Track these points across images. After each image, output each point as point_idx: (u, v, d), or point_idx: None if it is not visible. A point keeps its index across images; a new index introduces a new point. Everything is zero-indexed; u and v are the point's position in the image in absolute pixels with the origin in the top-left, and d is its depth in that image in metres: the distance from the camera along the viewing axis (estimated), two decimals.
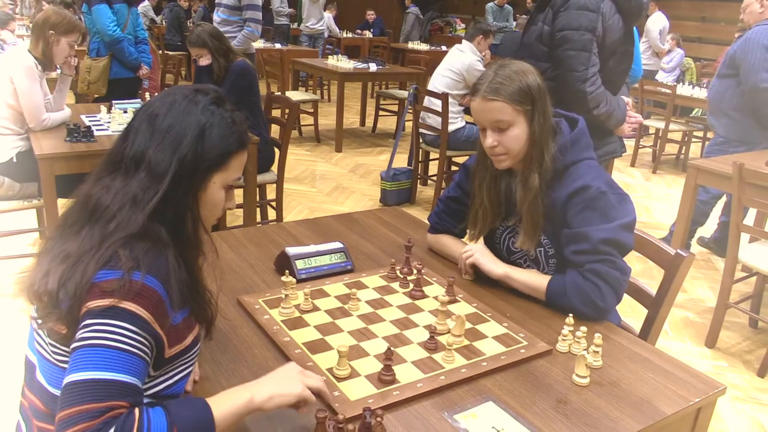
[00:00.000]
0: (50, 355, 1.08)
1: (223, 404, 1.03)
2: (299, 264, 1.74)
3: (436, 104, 4.75)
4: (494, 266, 1.74)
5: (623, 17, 2.54)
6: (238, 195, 3.94)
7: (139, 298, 1.00)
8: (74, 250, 1.04)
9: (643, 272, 3.98)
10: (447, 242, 1.95)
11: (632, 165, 6.97)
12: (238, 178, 1.19)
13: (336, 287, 1.68)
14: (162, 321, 1.04)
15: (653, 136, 7.47)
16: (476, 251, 1.77)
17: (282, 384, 1.10)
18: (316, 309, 1.55)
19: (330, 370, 1.30)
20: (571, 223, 1.63)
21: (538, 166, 1.66)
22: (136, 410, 0.95)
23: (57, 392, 1.07)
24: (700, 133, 7.18)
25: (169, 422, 0.96)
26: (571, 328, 1.48)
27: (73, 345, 0.97)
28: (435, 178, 5.20)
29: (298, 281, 1.68)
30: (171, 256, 1.07)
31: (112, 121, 3.49)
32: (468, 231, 1.90)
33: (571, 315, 1.50)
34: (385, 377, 1.28)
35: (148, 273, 1.02)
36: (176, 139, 1.09)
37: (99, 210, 1.07)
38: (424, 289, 1.69)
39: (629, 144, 6.91)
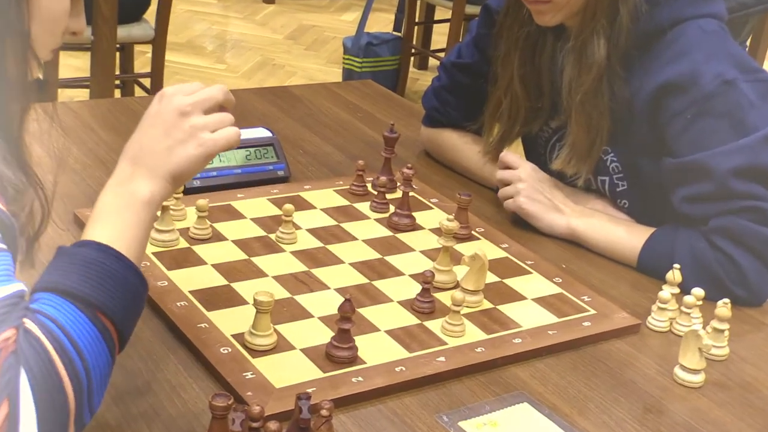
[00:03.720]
0: None
1: (120, 232, 1.09)
2: None
3: None
4: (555, 218, 1.72)
5: None
6: (83, 60, 3.93)
7: None
8: None
9: None
10: (455, 143, 1.96)
11: None
12: None
13: (256, 204, 1.69)
14: None
15: None
16: (521, 191, 1.74)
17: (177, 147, 1.16)
18: (218, 237, 1.57)
19: (239, 336, 1.31)
20: (675, 146, 1.62)
21: (606, 26, 1.63)
22: (27, 324, 0.95)
23: None
24: None
25: (84, 307, 0.98)
26: (676, 290, 1.50)
27: None
28: (443, 54, 5.19)
29: (187, 192, 1.68)
30: None
31: None
32: (484, 135, 1.89)
33: (676, 268, 1.52)
34: (338, 352, 1.29)
35: None
36: None
37: None
38: (414, 213, 1.70)
39: None
